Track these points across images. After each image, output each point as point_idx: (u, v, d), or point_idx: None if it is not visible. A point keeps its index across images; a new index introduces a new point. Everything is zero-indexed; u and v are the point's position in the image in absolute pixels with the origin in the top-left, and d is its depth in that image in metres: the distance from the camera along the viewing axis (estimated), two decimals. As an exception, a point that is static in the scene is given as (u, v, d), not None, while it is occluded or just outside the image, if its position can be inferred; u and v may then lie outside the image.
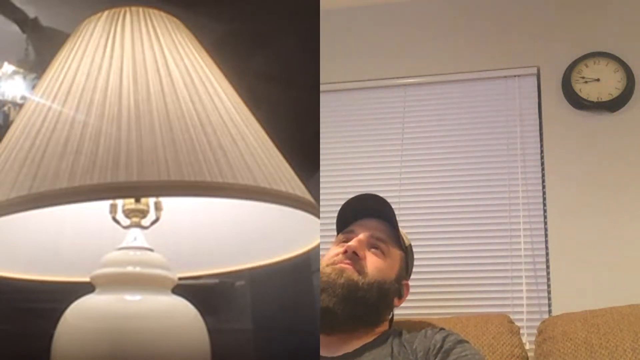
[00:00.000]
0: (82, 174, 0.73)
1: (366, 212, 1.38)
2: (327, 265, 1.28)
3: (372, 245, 1.31)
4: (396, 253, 1.34)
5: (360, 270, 1.26)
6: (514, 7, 2.24)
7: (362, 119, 2.24)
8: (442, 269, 1.97)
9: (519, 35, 2.20)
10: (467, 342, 1.21)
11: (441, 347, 1.17)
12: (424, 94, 2.23)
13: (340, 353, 1.21)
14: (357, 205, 1.39)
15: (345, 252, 1.28)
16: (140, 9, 0.92)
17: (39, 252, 0.99)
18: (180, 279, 0.91)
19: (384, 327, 1.32)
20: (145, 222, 0.92)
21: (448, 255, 1.99)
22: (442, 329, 1.26)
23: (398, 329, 1.30)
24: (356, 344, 1.23)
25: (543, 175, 2.02)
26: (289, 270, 1.02)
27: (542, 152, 2.05)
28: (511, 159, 2.06)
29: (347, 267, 1.26)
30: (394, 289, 1.32)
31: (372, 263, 1.28)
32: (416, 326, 1.39)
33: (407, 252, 1.38)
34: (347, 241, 1.32)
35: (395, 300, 1.34)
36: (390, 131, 2.20)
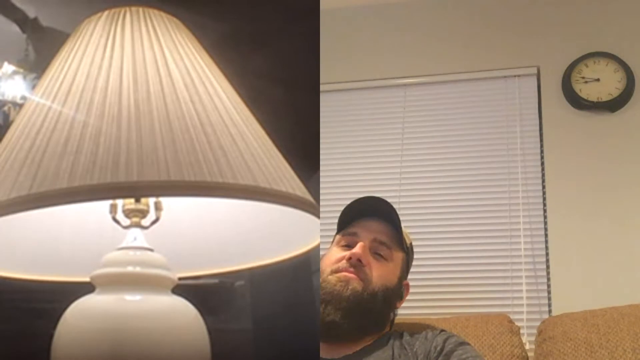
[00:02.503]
0: (82, 174, 0.73)
1: (368, 212, 1.38)
2: (331, 274, 1.26)
3: (375, 250, 1.30)
4: (398, 255, 1.33)
5: (364, 279, 1.24)
6: (514, 7, 2.24)
7: (362, 119, 2.24)
8: (442, 269, 1.97)
9: (519, 35, 2.20)
10: (468, 344, 1.21)
11: (442, 349, 1.16)
12: (424, 94, 2.24)
13: (340, 355, 1.21)
14: (359, 206, 1.38)
15: (349, 258, 1.27)
16: (140, 9, 0.92)
17: (39, 252, 0.99)
18: (180, 279, 0.91)
19: (385, 329, 1.32)
20: (145, 222, 0.92)
21: (448, 255, 1.99)
22: (442, 330, 1.26)
23: (399, 331, 1.30)
24: (357, 346, 1.23)
25: (543, 175, 2.02)
26: (289, 270, 1.02)
27: (542, 152, 2.05)
28: (511, 159, 2.06)
29: (352, 277, 1.24)
30: (396, 292, 1.31)
31: (376, 270, 1.26)
32: (416, 327, 1.39)
33: (408, 252, 1.38)
34: (349, 244, 1.30)
35: (397, 302, 1.34)
36: (390, 131, 2.20)
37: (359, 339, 1.24)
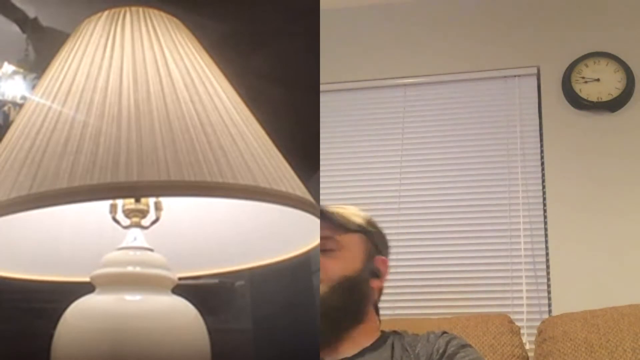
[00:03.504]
0: (82, 174, 0.73)
1: None
2: None
3: (322, 248, 1.24)
4: (350, 239, 1.27)
5: (324, 280, 1.21)
6: (514, 7, 2.24)
7: (362, 119, 2.24)
8: (443, 269, 1.97)
9: (519, 35, 2.20)
10: (470, 346, 1.20)
11: (444, 352, 1.16)
12: (424, 94, 2.24)
13: (339, 357, 1.20)
14: None
15: None
16: (140, 9, 0.92)
17: (39, 252, 0.99)
18: (180, 279, 0.91)
19: (373, 321, 1.29)
20: (145, 222, 0.92)
21: (448, 255, 1.99)
22: (445, 332, 1.24)
23: (400, 331, 1.29)
24: (355, 348, 1.21)
25: (543, 175, 2.02)
26: (289, 270, 1.02)
27: (542, 152, 2.05)
28: (511, 159, 2.06)
29: None
30: (364, 276, 1.27)
31: (326, 268, 1.23)
32: (418, 327, 1.38)
33: (367, 229, 1.31)
34: None
35: (373, 282, 1.28)
36: (390, 131, 2.20)
37: (342, 336, 1.22)
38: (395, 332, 1.29)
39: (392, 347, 1.21)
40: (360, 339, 1.23)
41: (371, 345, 1.23)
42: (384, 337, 1.26)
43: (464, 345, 1.18)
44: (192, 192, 0.75)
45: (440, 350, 1.16)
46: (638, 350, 1.34)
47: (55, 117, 0.81)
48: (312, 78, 1.46)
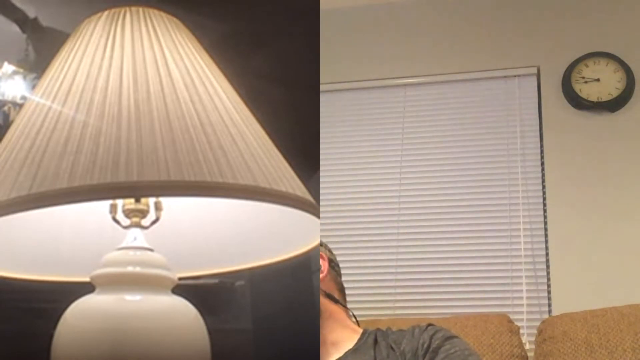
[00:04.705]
0: (82, 174, 0.73)
1: None
2: None
3: None
4: None
5: None
6: (514, 7, 2.24)
7: (362, 119, 2.24)
8: (442, 268, 1.97)
9: (519, 35, 2.20)
10: (456, 337, 1.17)
11: (429, 346, 1.13)
12: (424, 94, 2.24)
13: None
14: None
15: None
16: (140, 9, 0.92)
17: (39, 252, 0.99)
18: (180, 279, 0.91)
19: (340, 314, 1.28)
20: (145, 222, 0.92)
21: (448, 255, 1.99)
22: (430, 325, 1.22)
23: (383, 328, 1.27)
24: (334, 351, 1.20)
25: (543, 175, 2.02)
26: (289, 270, 1.02)
27: (542, 152, 2.05)
28: (511, 159, 2.06)
29: None
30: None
31: None
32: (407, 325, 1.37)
33: None
34: None
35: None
36: (390, 131, 2.20)
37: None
38: (378, 330, 1.26)
39: (375, 347, 1.19)
40: (337, 340, 1.22)
41: (353, 347, 1.20)
42: (364, 337, 1.24)
43: (449, 337, 1.16)
44: (192, 192, 0.75)
45: (425, 345, 1.14)
46: (638, 350, 1.34)
47: (55, 117, 0.81)
48: (312, 78, 1.46)
